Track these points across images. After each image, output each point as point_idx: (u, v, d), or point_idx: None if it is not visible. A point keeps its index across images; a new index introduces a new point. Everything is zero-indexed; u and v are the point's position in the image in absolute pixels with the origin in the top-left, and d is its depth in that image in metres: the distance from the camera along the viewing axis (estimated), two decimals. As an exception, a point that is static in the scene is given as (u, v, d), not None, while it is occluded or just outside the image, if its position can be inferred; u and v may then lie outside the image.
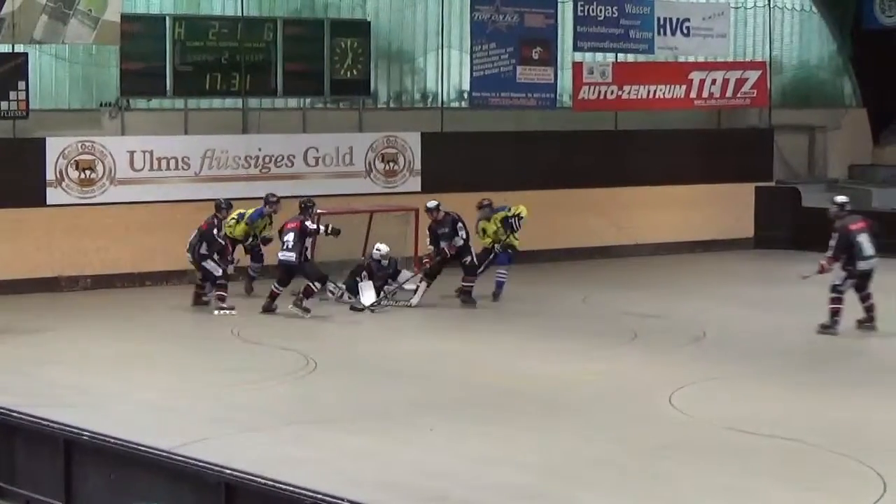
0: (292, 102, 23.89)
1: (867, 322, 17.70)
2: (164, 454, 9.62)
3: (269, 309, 19.01)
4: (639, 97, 26.10)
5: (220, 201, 19.72)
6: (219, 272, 19.25)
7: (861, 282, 17.50)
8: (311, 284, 18.88)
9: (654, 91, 26.23)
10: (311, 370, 15.18)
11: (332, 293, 19.66)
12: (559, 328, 18.04)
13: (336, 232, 19.09)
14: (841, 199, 18.11)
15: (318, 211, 20.45)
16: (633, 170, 25.50)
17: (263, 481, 8.84)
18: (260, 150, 22.44)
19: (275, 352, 16.35)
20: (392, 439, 12.17)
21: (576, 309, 19.60)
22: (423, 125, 24.28)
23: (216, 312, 19.00)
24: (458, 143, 24.02)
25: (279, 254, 19.05)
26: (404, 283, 19.84)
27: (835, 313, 17.35)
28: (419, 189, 23.34)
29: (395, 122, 24.29)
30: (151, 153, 21.64)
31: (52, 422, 10.48)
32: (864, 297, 17.64)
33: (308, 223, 18.95)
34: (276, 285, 19.09)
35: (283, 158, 22.58)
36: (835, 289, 17.42)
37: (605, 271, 23.46)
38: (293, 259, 18.80)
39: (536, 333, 17.65)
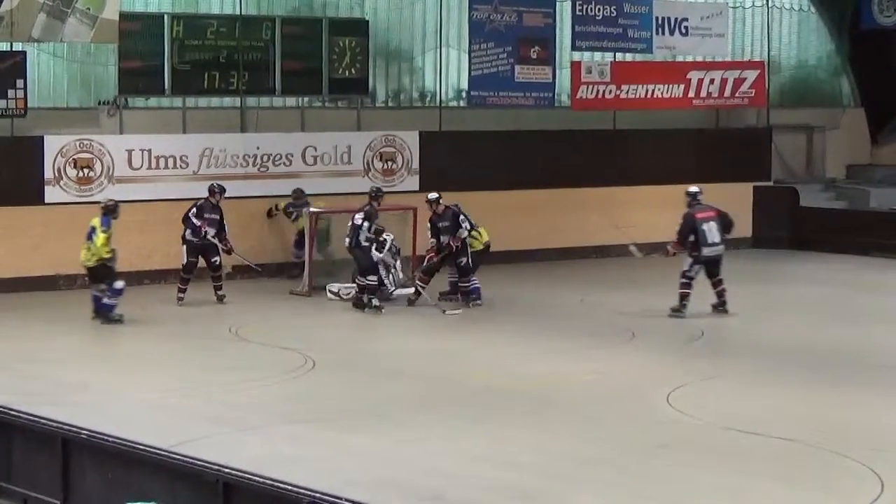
0: (290, 101, 23.88)
1: (720, 306, 18.80)
2: (162, 453, 9.63)
3: (357, 304, 18.97)
4: (637, 96, 26.11)
5: (213, 185, 19.88)
6: (184, 260, 19.50)
7: (710, 268, 18.65)
8: (359, 279, 18.90)
9: (653, 90, 26.24)
10: (309, 369, 15.17)
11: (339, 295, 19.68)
12: (556, 328, 18.04)
13: (377, 234, 19.15)
14: (693, 189, 19.18)
15: (313, 210, 20.46)
16: (630, 169, 25.50)
17: (261, 480, 8.86)
18: (258, 148, 22.44)
19: (273, 351, 16.34)
20: (389, 438, 12.18)
21: (573, 308, 19.60)
22: (421, 124, 24.26)
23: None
24: (456, 142, 24.02)
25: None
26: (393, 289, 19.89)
27: (683, 297, 18.56)
28: (417, 188, 23.31)
29: (393, 121, 24.28)
30: (149, 152, 21.64)
31: (50, 420, 10.48)
32: (716, 283, 18.79)
33: (357, 216, 18.98)
34: (358, 277, 19.12)
35: (281, 157, 22.58)
36: (684, 274, 18.62)
37: (603, 271, 23.45)
38: (346, 244, 19.04)
39: (534, 333, 17.65)
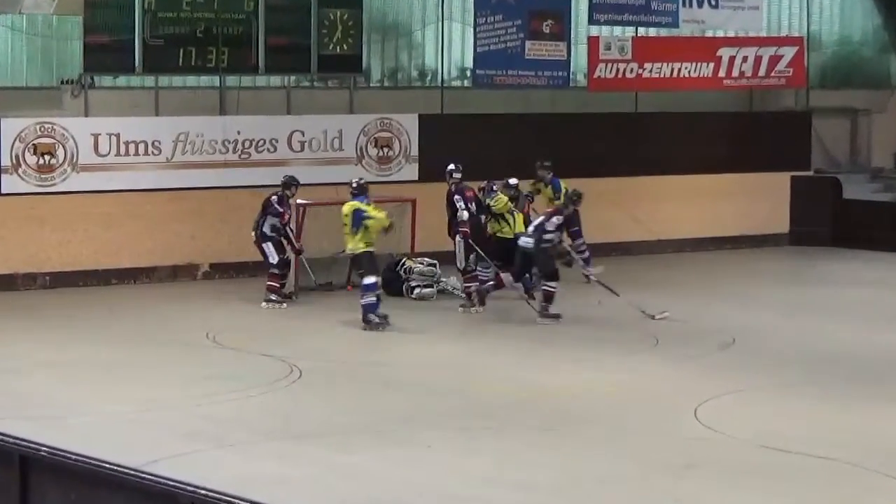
0: (275, 81, 23.90)
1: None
2: (132, 472, 9.63)
3: (544, 315, 18.71)
4: (661, 76, 26.10)
5: (288, 178, 20.08)
6: (275, 258, 19.67)
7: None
8: (548, 286, 18.74)
9: (679, 69, 26.22)
10: (295, 379, 15.19)
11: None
12: (571, 334, 18.07)
13: (566, 258, 19.25)
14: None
15: (300, 202, 20.43)
16: (654, 157, 25.49)
17: (241, 502, 8.86)
18: (239, 133, 22.41)
19: (255, 358, 16.35)
20: (385, 456, 12.19)
21: (590, 312, 19.57)
22: (420, 106, 24.27)
23: (264, 305, 19.47)
24: (460, 127, 23.99)
25: (520, 239, 19.14)
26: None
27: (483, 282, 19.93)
28: (416, 178, 23.34)
29: (389, 102, 24.29)
30: (118, 136, 21.59)
31: (7, 436, 10.48)
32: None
33: (554, 219, 18.79)
34: (542, 282, 18.99)
35: (264, 143, 22.57)
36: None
37: (623, 270, 23.36)
38: (530, 245, 18.83)
39: (546, 339, 17.69)
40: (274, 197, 19.80)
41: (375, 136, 23.52)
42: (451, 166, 19.92)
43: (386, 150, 23.58)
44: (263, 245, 19.78)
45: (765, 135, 26.84)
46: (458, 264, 19.73)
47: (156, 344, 17.37)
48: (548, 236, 18.81)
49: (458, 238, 19.73)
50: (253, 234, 19.87)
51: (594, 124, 25.38)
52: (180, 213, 21.62)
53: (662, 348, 17.11)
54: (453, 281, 20.45)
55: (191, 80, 23.25)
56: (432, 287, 20.50)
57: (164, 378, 15.39)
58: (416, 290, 20.42)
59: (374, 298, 18.06)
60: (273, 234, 19.78)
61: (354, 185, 18.68)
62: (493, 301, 19.69)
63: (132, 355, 16.61)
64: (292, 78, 23.99)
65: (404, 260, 20.67)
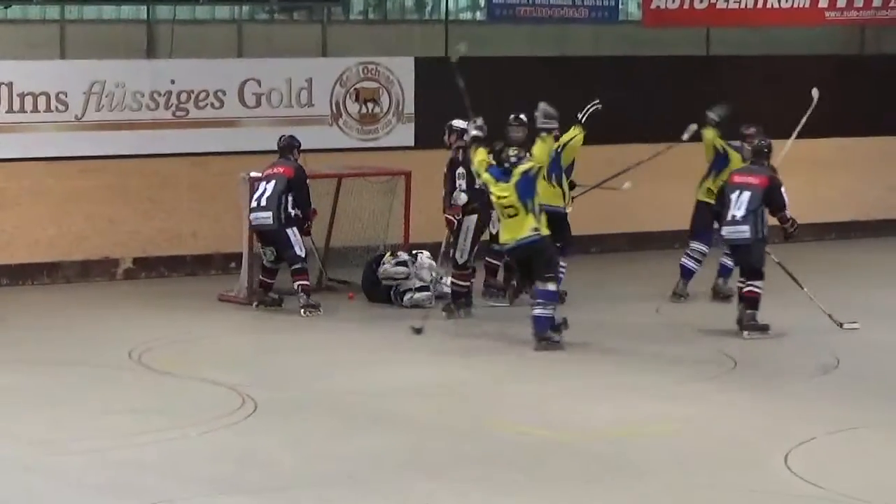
0: (222, 12, 23.95)
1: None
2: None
3: (748, 325, 18.74)
4: (741, 7, 26.11)
5: (288, 139, 20.45)
6: (302, 251, 19.90)
7: None
8: (754, 287, 18.67)
9: (766, -2, 26.27)
10: (248, 413, 15.20)
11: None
12: (622, 352, 18.14)
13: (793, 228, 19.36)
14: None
15: (253, 174, 20.37)
16: (733, 115, 25.37)
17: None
18: (173, 82, 22.53)
19: (195, 386, 16.40)
20: (369, 517, 12.17)
21: (647, 323, 19.65)
22: (418, 47, 24.38)
23: (303, 313, 19.72)
24: (472, 75, 23.83)
25: (724, 228, 19.05)
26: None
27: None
28: (412, 143, 23.31)
29: (375, 42, 24.32)
30: (10, 86, 21.73)
31: None
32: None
33: (783, 190, 19.00)
34: (748, 282, 18.87)
35: (207, 96, 22.69)
36: None
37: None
38: (746, 234, 18.77)
39: (588, 360, 17.74)
40: (302, 166, 20.01)
41: (357, 86, 23.63)
42: (459, 123, 19.77)
43: (371, 105, 23.69)
44: (288, 231, 19.86)
45: (880, 86, 26.94)
46: (459, 256, 19.75)
47: (59, 365, 17.40)
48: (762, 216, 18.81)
49: (462, 222, 19.82)
50: (267, 215, 19.84)
51: (651, 71, 25.34)
52: (94, 190, 21.71)
53: (744, 372, 17.17)
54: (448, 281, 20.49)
55: (108, 10, 23.24)
56: (429, 290, 20.52)
57: (69, 412, 15.34)
58: (408, 296, 20.52)
59: (553, 311, 17.82)
60: (297, 214, 19.94)
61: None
62: (503, 309, 20.00)
63: (26, 381, 16.60)
64: (245, 8, 23.99)
65: (384, 257, 20.81)
